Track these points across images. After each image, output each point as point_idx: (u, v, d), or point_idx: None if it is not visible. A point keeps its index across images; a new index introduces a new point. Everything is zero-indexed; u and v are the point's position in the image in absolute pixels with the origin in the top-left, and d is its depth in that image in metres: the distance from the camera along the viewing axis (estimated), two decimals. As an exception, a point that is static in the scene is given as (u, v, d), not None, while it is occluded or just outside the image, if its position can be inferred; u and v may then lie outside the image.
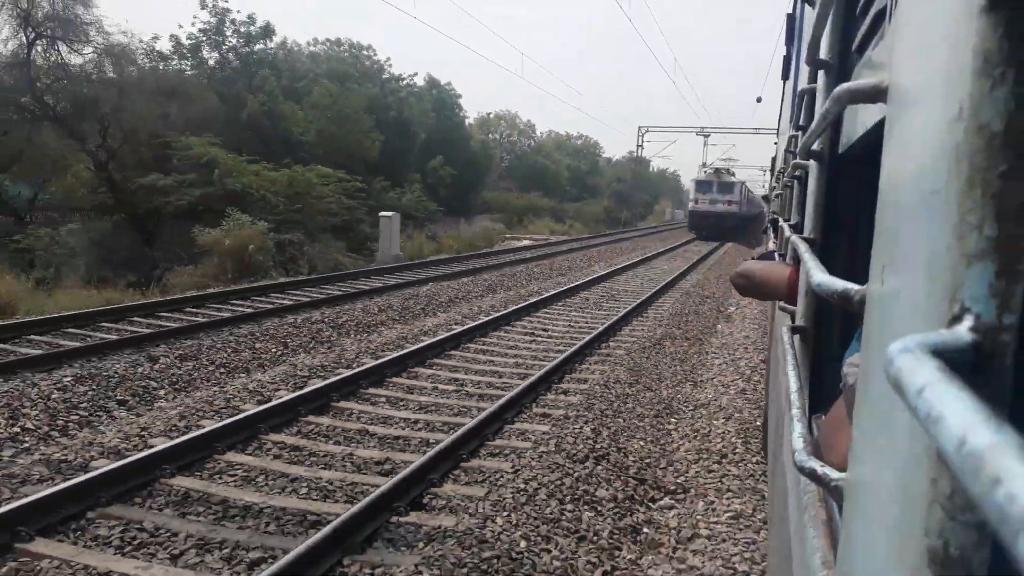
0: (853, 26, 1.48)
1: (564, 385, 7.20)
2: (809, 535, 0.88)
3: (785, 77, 7.12)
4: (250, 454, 4.99)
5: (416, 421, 5.88)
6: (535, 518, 4.26)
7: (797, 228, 2.09)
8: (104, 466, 4.41)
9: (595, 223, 43.80)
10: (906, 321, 0.41)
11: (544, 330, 10.01)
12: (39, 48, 22.24)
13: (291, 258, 18.20)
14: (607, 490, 4.92)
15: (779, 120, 8.99)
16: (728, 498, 5.02)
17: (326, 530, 3.71)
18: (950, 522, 0.31)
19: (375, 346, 8.30)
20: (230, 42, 26.81)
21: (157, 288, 15.07)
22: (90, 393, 5.90)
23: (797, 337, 1.56)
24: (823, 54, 1.59)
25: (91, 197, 20.98)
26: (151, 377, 6.46)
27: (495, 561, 3.72)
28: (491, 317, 10.10)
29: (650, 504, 4.98)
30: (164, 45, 26.01)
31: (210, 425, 5.23)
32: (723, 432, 6.34)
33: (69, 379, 6.06)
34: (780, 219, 4.26)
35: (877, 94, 0.66)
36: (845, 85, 0.80)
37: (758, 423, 6.44)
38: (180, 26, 26.65)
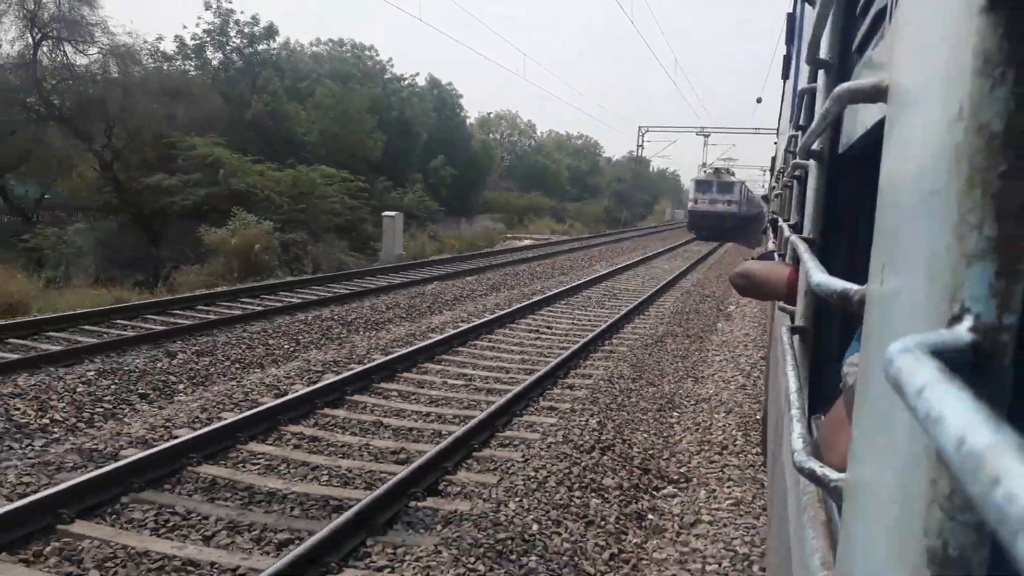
0: (853, 26, 1.48)
1: (569, 380, 7.42)
2: (808, 536, 0.88)
3: (785, 77, 7.14)
4: (271, 444, 5.20)
5: (428, 414, 6.10)
6: (545, 504, 4.48)
7: (797, 228, 2.08)
8: (134, 455, 4.62)
9: (595, 223, 44.02)
10: (906, 321, 0.40)
11: (548, 327, 10.23)
12: (45, 49, 22.44)
13: (295, 257, 18.39)
14: (613, 479, 5.13)
15: (779, 120, 9.01)
16: (729, 487, 5.23)
17: (349, 513, 3.93)
18: (949, 522, 0.31)
19: (384, 343, 8.51)
20: (234, 43, 27.03)
21: (164, 287, 15.26)
22: (113, 387, 6.11)
23: (796, 337, 1.56)
24: (823, 54, 1.59)
25: (96, 197, 21.15)
26: (170, 372, 6.67)
27: (509, 542, 3.94)
28: (496, 315, 10.32)
29: (654, 492, 5.20)
30: (168, 46, 26.20)
31: (231, 417, 5.45)
32: (724, 425, 6.56)
33: (92, 373, 6.28)
34: (780, 219, 4.26)
35: (877, 94, 0.66)
36: (845, 85, 0.79)
37: (758, 417, 6.65)
38: (184, 27, 26.83)
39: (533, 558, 3.88)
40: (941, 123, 0.35)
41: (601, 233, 36.88)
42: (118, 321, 8.70)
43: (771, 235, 6.68)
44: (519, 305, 11.39)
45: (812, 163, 1.60)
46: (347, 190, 21.91)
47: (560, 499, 4.60)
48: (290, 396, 5.98)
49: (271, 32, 27.58)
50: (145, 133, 21.43)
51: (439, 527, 4.05)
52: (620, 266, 19.08)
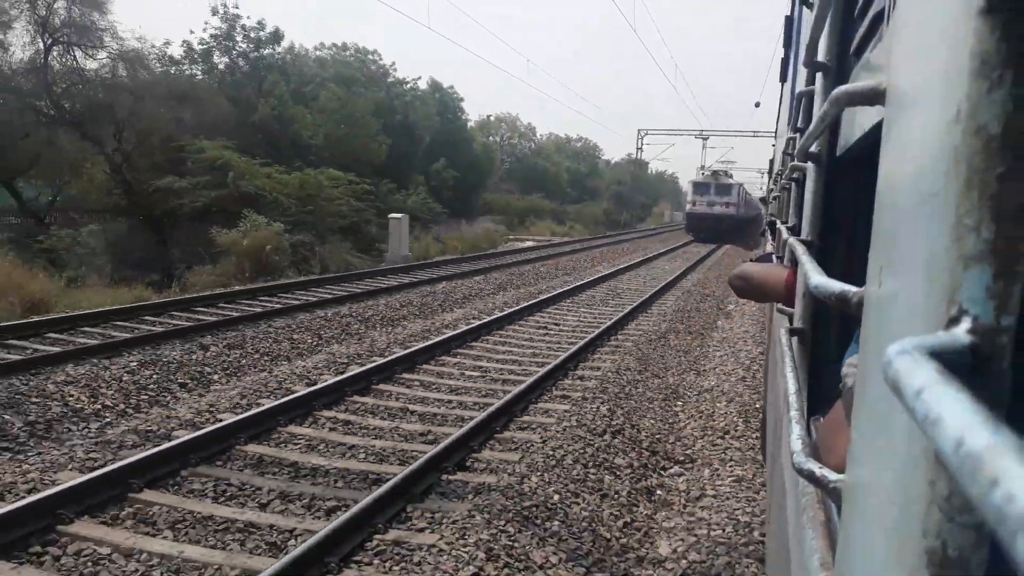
0: (851, 28, 1.48)
1: (579, 372, 7.86)
2: (807, 536, 0.88)
3: (783, 79, 7.20)
4: (308, 427, 5.64)
5: (449, 401, 6.54)
6: (564, 478, 4.92)
7: (795, 230, 2.08)
8: (187, 435, 5.05)
9: (595, 225, 44.47)
10: (904, 323, 0.40)
11: (556, 324, 10.67)
12: (55, 53, 22.83)
13: (303, 258, 18.78)
14: (624, 459, 5.57)
15: (777, 122, 9.22)
16: (731, 466, 5.67)
17: (388, 484, 4.36)
18: (948, 523, 0.31)
19: (402, 338, 8.95)
20: (240, 47, 27.46)
21: (177, 287, 15.66)
22: (155, 376, 6.54)
23: (795, 339, 1.57)
24: (821, 56, 1.60)
25: (105, 199, 21.54)
26: (205, 363, 7.10)
27: (534, 509, 4.38)
28: (505, 312, 10.75)
29: (661, 472, 5.64)
30: (175, 50, 26.62)
31: (269, 403, 5.88)
32: (725, 412, 7.00)
33: (135, 364, 6.70)
34: (778, 221, 4.32)
35: (875, 96, 0.66)
36: (843, 87, 0.80)
37: (758, 405, 7.09)
38: (191, 31, 27.27)
39: (556, 523, 4.32)
40: (939, 125, 0.35)
41: (601, 235, 37.32)
42: (147, 317, 9.13)
43: (769, 237, 6.85)
44: (526, 303, 11.82)
45: (810, 165, 1.60)
46: (353, 192, 22.31)
47: (577, 475, 5.04)
48: (320, 385, 6.41)
49: (277, 37, 28.03)
50: (153, 136, 21.82)
51: (470, 496, 4.49)
52: (621, 267, 19.52)
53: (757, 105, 37.08)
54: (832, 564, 0.74)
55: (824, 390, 1.55)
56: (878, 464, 0.45)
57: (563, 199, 51.40)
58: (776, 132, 9.84)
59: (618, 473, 5.30)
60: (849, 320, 1.07)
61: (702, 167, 40.40)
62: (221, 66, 27.61)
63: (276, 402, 5.82)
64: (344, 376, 6.68)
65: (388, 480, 4.49)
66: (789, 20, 5.80)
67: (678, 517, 4.82)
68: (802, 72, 2.52)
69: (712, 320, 12.60)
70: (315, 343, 8.41)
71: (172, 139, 21.39)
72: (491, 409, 5.91)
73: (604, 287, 15.43)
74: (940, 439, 0.24)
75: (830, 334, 1.71)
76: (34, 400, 5.62)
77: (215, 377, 6.89)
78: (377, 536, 3.93)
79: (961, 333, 0.31)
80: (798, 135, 2.38)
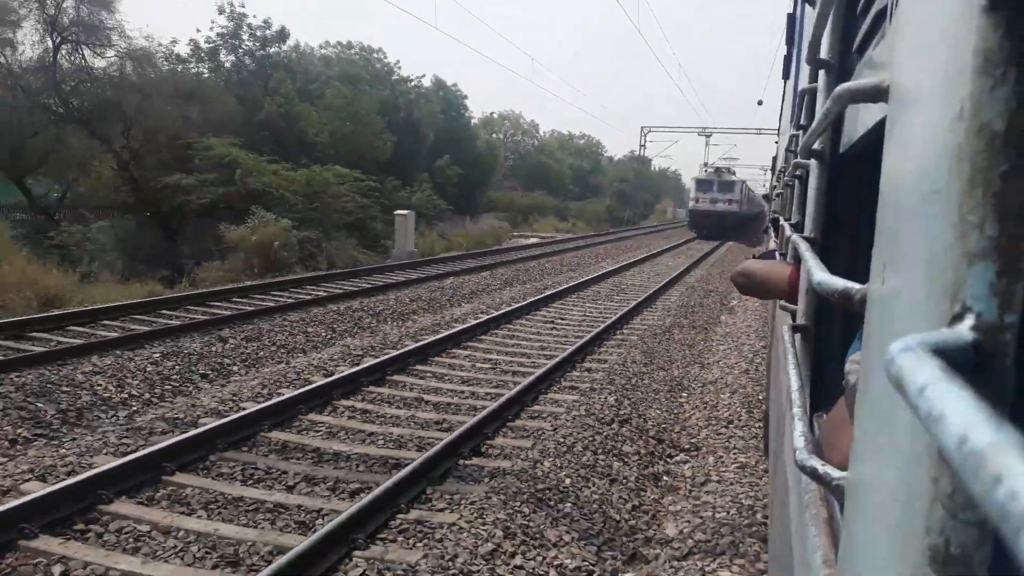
0: (854, 26, 1.48)
1: (586, 364, 8.07)
2: (810, 534, 0.88)
3: (786, 77, 7.18)
4: (328, 415, 5.86)
5: (462, 391, 6.75)
6: (574, 464, 5.13)
7: (798, 227, 2.07)
8: (213, 422, 5.28)
9: (598, 222, 44.64)
10: (907, 320, 0.41)
11: (562, 319, 10.88)
12: (64, 52, 23.05)
13: (310, 255, 19.01)
14: (631, 446, 5.79)
15: (780, 120, 9.23)
16: (735, 454, 5.88)
17: (409, 468, 4.58)
18: (951, 520, 0.31)
19: (413, 331, 9.17)
20: (247, 46, 27.66)
21: (188, 282, 15.90)
22: (177, 367, 6.77)
23: (798, 336, 1.56)
24: (824, 54, 1.59)
25: (113, 196, 21.77)
26: (224, 355, 7.33)
27: (547, 492, 4.60)
28: (513, 307, 10.97)
29: (668, 459, 5.85)
30: (182, 49, 26.82)
31: (289, 392, 6.09)
32: (729, 403, 7.21)
33: (157, 355, 6.93)
34: (781, 218, 4.33)
35: (878, 94, 0.66)
36: (846, 85, 0.79)
37: (760, 396, 7.30)
38: (198, 30, 27.49)
39: (568, 505, 4.53)
40: (942, 123, 0.35)
41: (604, 232, 37.48)
42: (163, 312, 9.35)
43: (772, 234, 6.96)
44: (533, 299, 12.03)
45: (813, 163, 1.61)
46: (358, 189, 22.50)
47: (587, 461, 5.25)
48: (337, 376, 6.63)
49: (283, 35, 28.24)
50: (160, 134, 22.03)
51: (487, 479, 4.70)
52: (625, 263, 19.72)
53: (760, 103, 37.19)
54: (835, 561, 0.74)
55: (827, 387, 1.56)
56: (881, 461, 0.45)
57: (566, 196, 51.55)
58: (779, 129, 9.79)
59: (626, 460, 5.52)
60: (852, 317, 1.05)
61: (705, 164, 40.50)
62: (227, 64, 27.82)
63: (296, 391, 6.04)
64: (360, 367, 6.90)
65: (408, 464, 4.70)
66: (791, 17, 5.80)
67: (684, 501, 5.03)
68: (805, 69, 2.51)
69: (715, 315, 12.81)
70: (329, 336, 8.63)
71: (179, 137, 21.59)
72: (503, 399, 6.13)
73: (608, 283, 15.64)
74: (943, 436, 0.24)
75: (833, 331, 1.72)
76: (64, 389, 5.85)
77: (234, 368, 7.11)
78: (400, 515, 4.15)
79: (964, 330, 0.31)
80: (801, 132, 2.37)
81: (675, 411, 7.00)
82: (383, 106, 29.67)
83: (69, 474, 4.42)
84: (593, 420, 6.05)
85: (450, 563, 3.62)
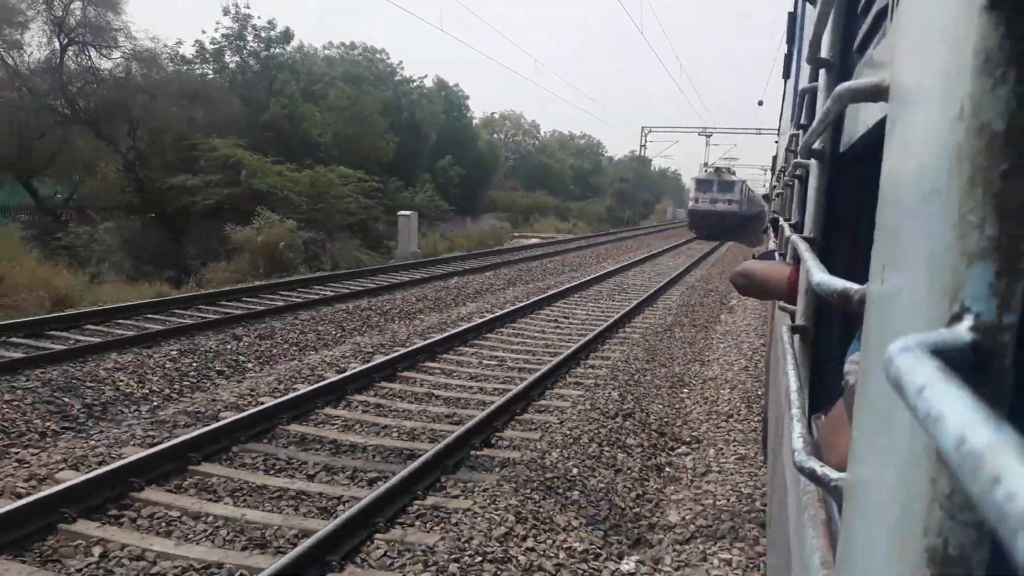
0: (854, 25, 1.48)
1: (590, 361, 8.29)
2: (808, 535, 0.88)
3: (786, 76, 7.20)
4: (343, 409, 6.08)
5: (471, 387, 6.98)
6: (581, 455, 5.35)
7: (797, 227, 2.07)
8: (234, 416, 5.49)
9: (598, 222, 44.84)
10: (906, 320, 0.41)
11: (566, 317, 11.10)
12: (71, 53, 23.26)
13: (314, 255, 19.21)
14: (635, 439, 6.01)
15: (780, 119, 9.28)
16: (734, 446, 6.10)
17: (423, 458, 4.79)
18: (949, 521, 0.31)
19: (421, 329, 9.39)
20: (251, 47, 27.89)
21: (194, 282, 16.11)
22: (194, 364, 6.99)
23: (797, 336, 1.56)
24: (824, 53, 1.59)
25: (118, 197, 21.97)
26: (239, 352, 7.55)
27: (556, 480, 4.82)
28: (517, 306, 11.19)
29: (670, 451, 6.07)
30: (187, 50, 27.04)
31: (305, 388, 6.32)
32: (729, 399, 7.43)
33: (175, 352, 7.15)
34: (780, 218, 4.36)
35: (878, 93, 0.66)
36: (846, 84, 0.79)
37: (759, 392, 7.52)
38: (203, 31, 27.72)
39: (576, 492, 4.75)
40: (942, 122, 0.35)
41: (605, 232, 37.68)
42: (176, 311, 9.57)
43: (772, 234, 7.04)
44: (536, 298, 12.25)
45: (813, 162, 1.61)
46: (362, 190, 22.69)
47: (592, 452, 5.47)
48: (350, 372, 6.85)
49: (287, 36, 28.46)
50: (166, 135, 22.22)
51: (498, 469, 4.92)
52: (626, 263, 19.94)
53: (760, 104, 37.33)
54: (833, 563, 0.73)
55: (826, 388, 1.56)
56: (879, 462, 0.45)
57: (567, 196, 51.76)
58: (779, 129, 9.81)
59: (630, 452, 5.74)
60: (851, 318, 1.05)
61: (705, 164, 40.60)
62: (232, 65, 28.05)
63: (312, 387, 6.26)
64: (371, 364, 7.12)
65: (422, 455, 4.92)
66: (792, 16, 5.80)
67: (686, 490, 5.25)
68: (805, 69, 2.51)
69: (715, 314, 13.03)
70: (339, 334, 8.85)
71: (184, 138, 21.77)
72: (511, 394, 6.35)
73: (610, 283, 15.86)
74: (942, 437, 0.24)
75: (832, 332, 1.72)
76: (88, 385, 6.07)
77: (249, 365, 7.34)
78: (417, 502, 4.37)
79: (963, 331, 0.31)
80: (801, 132, 2.39)
81: (676, 406, 7.22)
82: (386, 107, 29.89)
83: (100, 463, 4.64)
84: (598, 414, 6.27)
85: (466, 545, 3.84)
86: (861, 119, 1.13)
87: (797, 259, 1.57)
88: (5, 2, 21.69)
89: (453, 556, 3.72)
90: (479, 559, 3.73)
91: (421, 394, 6.62)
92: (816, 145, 1.55)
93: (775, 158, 10.67)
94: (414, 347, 7.96)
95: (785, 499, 1.35)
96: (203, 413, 5.74)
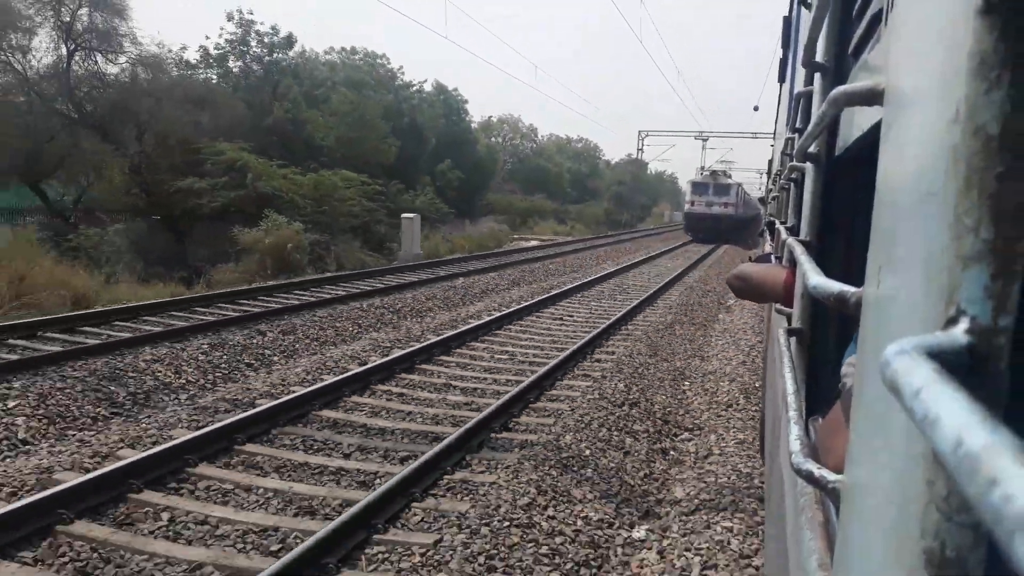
0: (849, 29, 1.48)
1: (596, 356, 8.74)
2: (806, 537, 0.88)
3: (782, 80, 7.25)
4: (368, 397, 6.51)
5: (485, 378, 7.42)
6: (592, 438, 5.79)
7: (793, 230, 2.08)
8: (270, 402, 5.92)
9: (596, 224, 45.33)
10: (902, 323, 0.41)
11: (570, 316, 11.55)
12: (77, 58, 23.64)
13: (319, 257, 19.63)
14: (641, 425, 6.45)
15: (776, 123, 9.53)
16: (734, 432, 6.55)
17: (449, 439, 5.23)
18: (946, 523, 0.31)
19: (433, 326, 9.83)
20: (254, 52, 28.33)
21: (204, 283, 16.51)
22: (225, 357, 7.42)
23: (794, 339, 1.56)
24: (819, 57, 1.60)
25: (124, 199, 22.35)
26: (265, 347, 7.98)
27: (571, 460, 5.26)
28: (523, 305, 11.63)
29: (673, 437, 6.51)
30: (191, 55, 27.46)
31: (332, 378, 6.75)
32: (728, 390, 7.88)
33: (206, 346, 7.58)
34: (777, 221, 4.39)
35: (873, 97, 0.67)
36: (841, 88, 0.80)
37: (757, 384, 7.97)
38: (207, 37, 28.13)
39: (589, 470, 5.19)
40: (938, 125, 0.35)
41: (603, 234, 38.12)
42: (197, 308, 9.99)
43: (768, 237, 7.19)
44: (541, 297, 12.69)
45: (809, 166, 1.61)
46: (365, 193, 23.12)
47: (603, 436, 5.91)
48: (371, 364, 7.28)
49: (290, 42, 28.91)
50: (171, 138, 22.60)
51: (517, 449, 5.36)
52: (625, 265, 20.41)
53: (756, 109, 37.83)
54: (830, 565, 0.73)
55: (823, 390, 1.57)
56: (876, 464, 0.45)
57: (564, 199, 52.25)
58: (775, 132, 10.05)
59: (637, 436, 6.18)
60: (848, 320, 1.04)
61: (702, 168, 40.96)
62: (236, 70, 28.49)
63: (338, 377, 6.69)
64: (390, 357, 7.56)
65: (447, 437, 5.36)
66: (787, 20, 5.84)
67: (689, 471, 5.69)
68: (800, 72, 2.51)
69: (714, 313, 13.49)
70: (356, 331, 9.28)
71: (189, 141, 22.16)
72: (524, 384, 6.78)
73: (611, 283, 16.31)
74: (938, 439, 0.25)
75: (828, 334, 1.71)
76: (131, 375, 6.49)
77: (275, 359, 7.76)
78: (446, 476, 4.81)
79: (959, 333, 0.31)
80: (797, 135, 2.40)
81: (679, 397, 7.67)
82: (387, 111, 30.36)
83: (154, 443, 5.06)
84: (606, 403, 6.71)
85: (495, 512, 4.27)
86: (856, 123, 1.13)
87: (793, 262, 1.53)
88: (14, 8, 22.08)
89: (484, 521, 4.16)
90: (507, 524, 4.16)
91: (440, 384, 7.06)
92: (812, 148, 1.57)
93: (771, 161, 10.92)
94: (429, 342, 8.39)
95: (782, 501, 1.35)
96: (240, 400, 6.17)
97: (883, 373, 0.32)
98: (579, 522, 4.42)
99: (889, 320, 0.45)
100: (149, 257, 20.25)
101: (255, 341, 8.06)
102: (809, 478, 0.76)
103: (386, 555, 3.84)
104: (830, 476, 0.72)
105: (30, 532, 3.79)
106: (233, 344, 7.81)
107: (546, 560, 3.92)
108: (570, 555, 4.02)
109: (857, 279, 0.63)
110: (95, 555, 3.69)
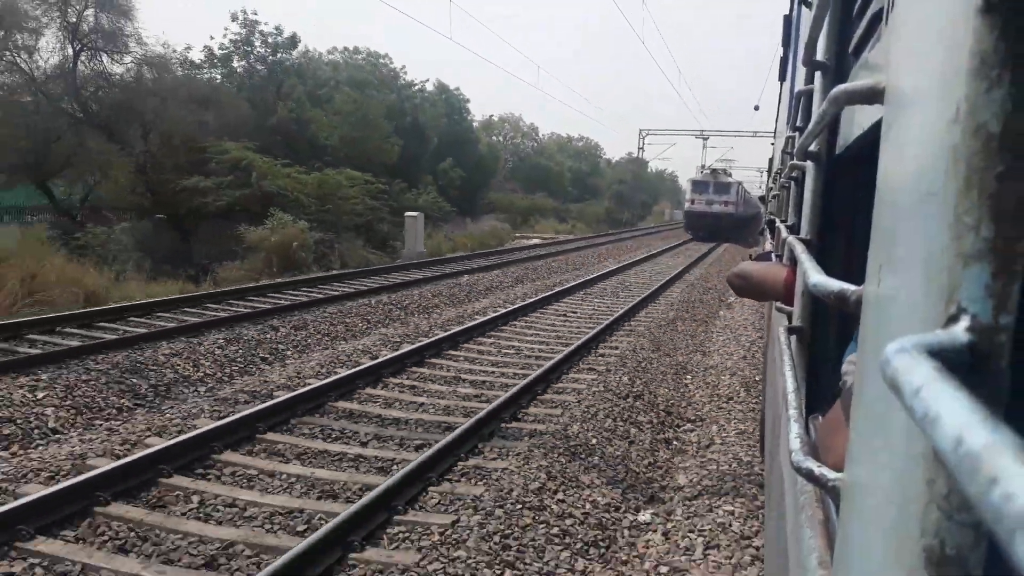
0: (850, 27, 1.47)
1: (600, 350, 8.96)
2: (806, 535, 0.88)
3: (782, 78, 7.28)
4: (381, 390, 6.73)
5: (493, 372, 7.64)
6: (598, 428, 6.02)
7: (794, 229, 2.07)
8: (287, 394, 6.14)
9: (597, 223, 45.53)
10: (903, 322, 0.41)
11: (574, 312, 11.77)
12: (83, 58, 23.84)
13: (323, 255, 19.84)
14: (645, 416, 6.67)
15: (776, 122, 9.58)
16: (735, 423, 6.77)
17: (462, 428, 5.45)
18: (946, 522, 0.31)
19: (440, 322, 10.05)
20: (258, 52, 28.54)
21: (211, 281, 16.72)
22: (240, 351, 7.64)
23: (794, 338, 1.57)
24: (820, 55, 1.60)
25: (130, 198, 22.56)
26: (278, 342, 8.20)
27: (578, 448, 5.48)
28: (527, 302, 11.85)
29: (676, 428, 6.73)
30: (195, 55, 27.66)
31: (345, 371, 6.97)
32: (729, 384, 8.10)
33: (221, 341, 7.80)
34: (777, 220, 4.41)
35: (874, 95, 0.67)
36: (842, 86, 0.80)
37: (757, 378, 8.19)
38: (212, 37, 28.35)
39: (596, 458, 5.42)
40: (938, 124, 0.35)
41: (604, 233, 38.31)
42: (209, 305, 10.21)
43: (768, 236, 7.26)
44: (544, 294, 12.91)
45: (809, 164, 1.61)
46: (368, 192, 23.33)
47: (608, 426, 6.14)
48: (382, 358, 7.50)
49: (293, 42, 29.12)
50: (176, 138, 22.80)
51: (527, 438, 5.58)
52: (627, 263, 20.62)
53: (756, 108, 38.07)
54: (830, 563, 0.74)
55: (823, 389, 1.57)
56: (876, 463, 0.45)
57: (565, 198, 52.44)
58: (775, 131, 10.11)
59: (641, 427, 6.40)
60: (848, 319, 1.01)
61: (702, 166, 41.05)
62: (240, 70, 28.70)
63: (351, 370, 6.91)
64: (400, 351, 7.78)
65: (459, 426, 5.58)
66: (788, 19, 5.83)
67: (692, 460, 5.91)
68: (801, 71, 2.50)
69: (715, 310, 13.71)
70: (365, 326, 9.50)
71: (194, 141, 22.36)
72: (531, 377, 7.00)
73: (613, 280, 16.53)
74: (939, 438, 0.25)
75: (829, 333, 1.72)
76: (151, 368, 6.71)
77: (288, 353, 7.98)
78: (460, 463, 5.04)
79: (960, 332, 0.31)
80: (797, 134, 2.40)
81: (681, 390, 7.89)
82: (390, 110, 30.58)
83: (179, 432, 5.28)
84: (611, 395, 6.93)
85: (508, 495, 4.49)
86: (857, 121, 1.12)
87: (793, 260, 1.53)
88: (21, 9, 22.28)
89: (498, 503, 4.38)
90: (519, 506, 4.39)
91: (449, 377, 7.28)
92: (812, 147, 1.55)
93: (771, 160, 11.00)
94: (437, 337, 8.61)
95: (782, 500, 1.34)
96: (258, 392, 6.39)
97: (883, 371, 0.32)
98: (587, 505, 4.64)
99: (889, 318, 0.46)
100: (155, 255, 20.48)
101: (268, 336, 8.28)
102: (809, 476, 0.76)
103: (407, 534, 4.06)
104: (830, 474, 0.72)
105: (71, 513, 4.01)
106: (248, 339, 8.03)
107: (557, 540, 4.14)
108: (579, 536, 4.24)
109: (857, 277, 0.63)
110: (132, 534, 3.91)
